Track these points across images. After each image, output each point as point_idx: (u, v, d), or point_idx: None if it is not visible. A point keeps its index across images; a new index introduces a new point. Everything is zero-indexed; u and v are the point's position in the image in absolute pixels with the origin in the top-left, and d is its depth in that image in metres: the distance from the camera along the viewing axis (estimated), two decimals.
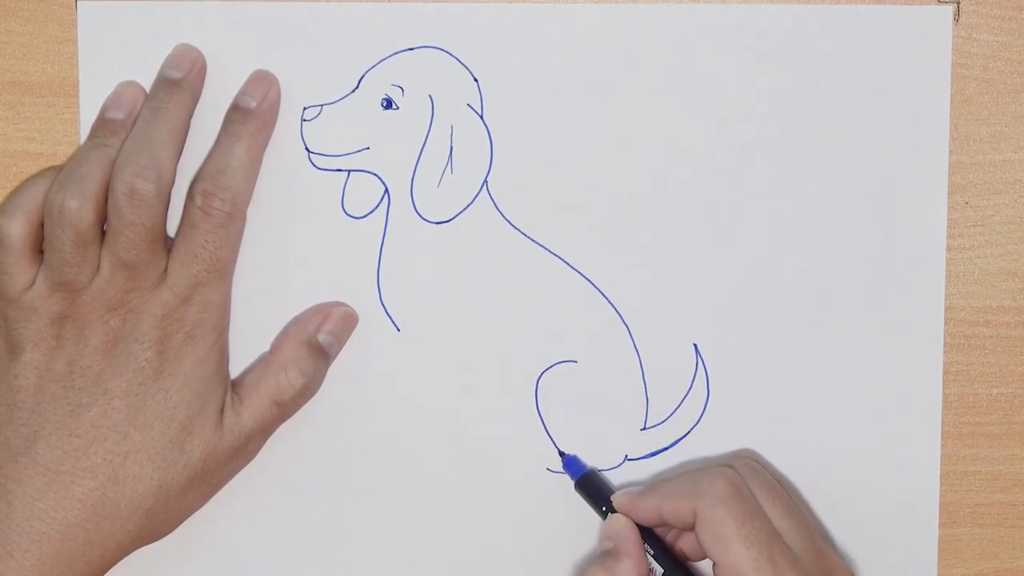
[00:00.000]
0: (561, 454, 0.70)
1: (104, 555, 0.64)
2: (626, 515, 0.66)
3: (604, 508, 0.67)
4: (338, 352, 0.69)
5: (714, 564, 0.63)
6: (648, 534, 0.66)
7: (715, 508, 0.63)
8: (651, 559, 0.66)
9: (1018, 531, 0.70)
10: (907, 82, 0.68)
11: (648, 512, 0.65)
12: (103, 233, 0.65)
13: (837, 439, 0.69)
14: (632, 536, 0.66)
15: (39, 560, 0.63)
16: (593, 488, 0.68)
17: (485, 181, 0.69)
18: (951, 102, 0.68)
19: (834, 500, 0.69)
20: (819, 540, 0.64)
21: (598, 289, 0.69)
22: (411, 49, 0.68)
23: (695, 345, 0.69)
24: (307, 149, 0.69)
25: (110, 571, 0.65)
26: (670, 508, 0.64)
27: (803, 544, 0.63)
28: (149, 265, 0.65)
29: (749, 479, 0.64)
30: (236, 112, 0.67)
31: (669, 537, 0.67)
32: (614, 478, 0.70)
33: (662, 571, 0.66)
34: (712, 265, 0.69)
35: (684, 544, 0.67)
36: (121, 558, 0.65)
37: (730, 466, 0.65)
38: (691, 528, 0.64)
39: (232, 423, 0.66)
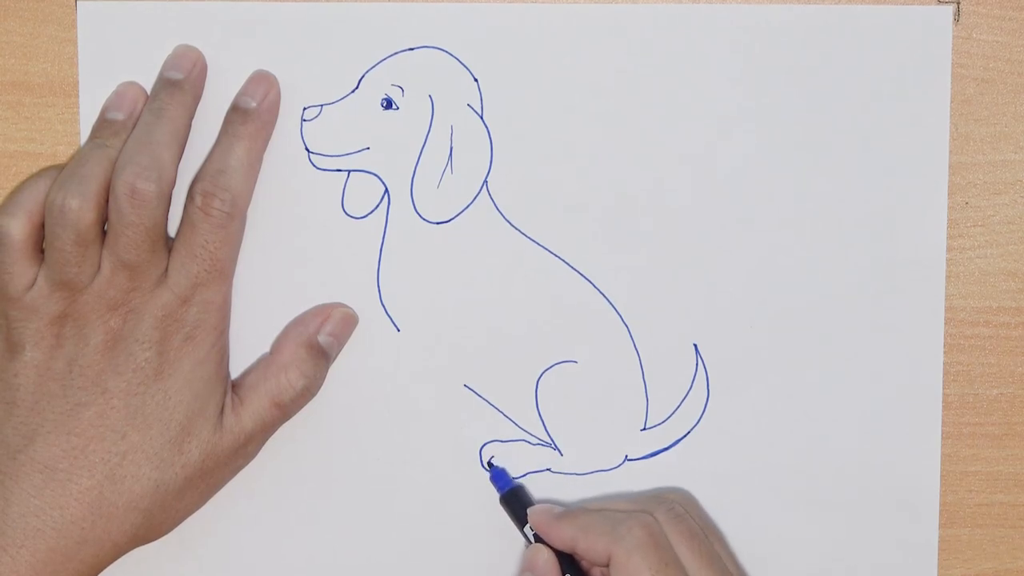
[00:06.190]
0: (489, 466, 0.69)
1: (99, 554, 0.64)
2: (542, 534, 0.65)
3: (527, 525, 0.67)
4: (338, 353, 0.69)
5: None
6: (570, 563, 0.65)
7: (631, 555, 0.62)
8: None
9: (1018, 531, 0.70)
10: (907, 82, 0.68)
11: (564, 540, 0.65)
12: (104, 233, 0.65)
13: (837, 439, 0.69)
14: (554, 572, 0.65)
15: (33, 556, 0.63)
16: (518, 504, 0.68)
17: (485, 181, 0.69)
18: (951, 102, 0.68)
19: (834, 500, 0.69)
20: None
21: (598, 289, 0.69)
22: (411, 49, 0.68)
23: (695, 345, 0.69)
24: (307, 149, 0.69)
25: (109, 570, 0.65)
26: (586, 544, 0.64)
27: None
28: (150, 265, 0.65)
29: (670, 527, 0.63)
30: (236, 112, 0.67)
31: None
32: (614, 478, 0.70)
33: None
34: (712, 265, 0.69)
35: None
36: (117, 557, 0.65)
37: (651, 513, 0.64)
38: (605, 566, 0.63)
39: (232, 424, 0.66)
